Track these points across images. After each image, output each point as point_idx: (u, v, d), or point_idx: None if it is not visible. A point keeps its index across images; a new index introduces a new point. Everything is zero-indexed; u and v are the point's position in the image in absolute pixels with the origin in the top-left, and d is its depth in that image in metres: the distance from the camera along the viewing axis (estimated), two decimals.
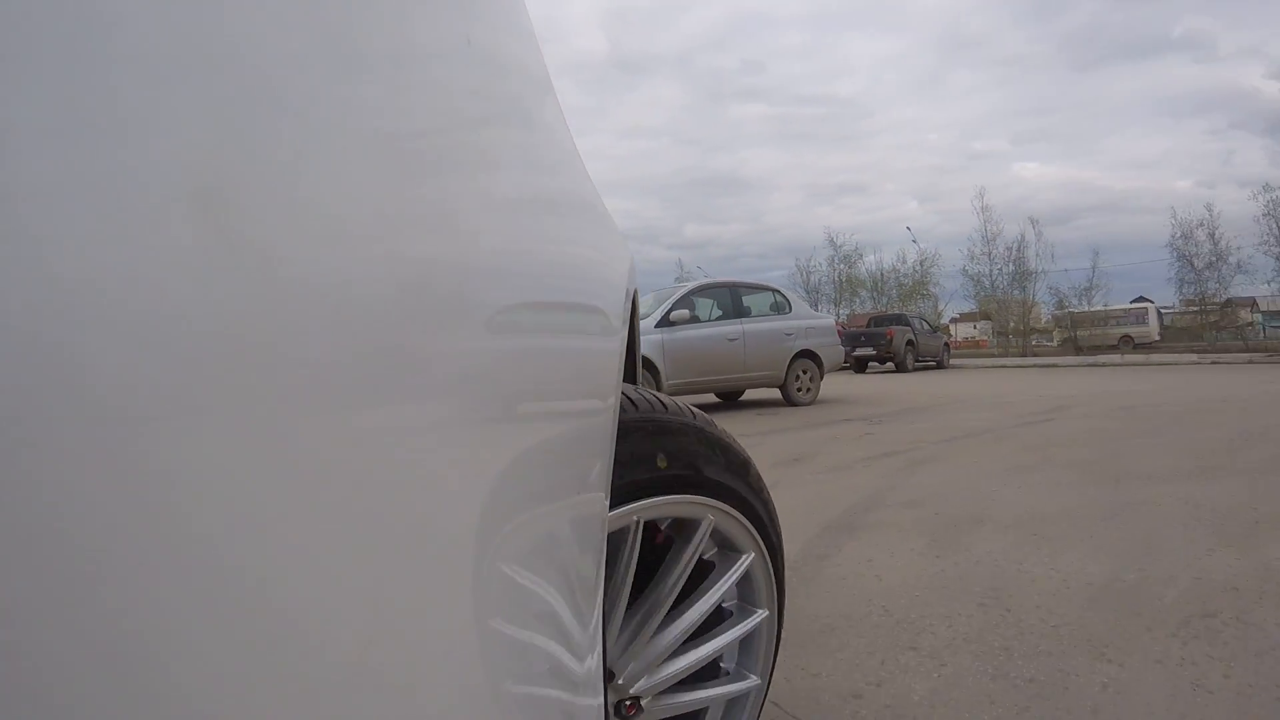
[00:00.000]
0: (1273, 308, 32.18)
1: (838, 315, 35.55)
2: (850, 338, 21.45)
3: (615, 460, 0.90)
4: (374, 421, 0.29)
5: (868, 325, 23.51)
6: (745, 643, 1.37)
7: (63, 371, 0.17)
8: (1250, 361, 19.82)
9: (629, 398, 1.17)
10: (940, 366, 23.28)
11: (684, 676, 1.22)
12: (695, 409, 1.31)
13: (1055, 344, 31.86)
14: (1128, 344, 31.16)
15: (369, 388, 0.29)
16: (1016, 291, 34.09)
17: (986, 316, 37.21)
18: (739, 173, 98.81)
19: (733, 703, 1.36)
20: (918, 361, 22.06)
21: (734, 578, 1.30)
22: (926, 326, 24.36)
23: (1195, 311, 32.47)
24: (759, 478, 1.38)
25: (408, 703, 0.31)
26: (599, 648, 0.72)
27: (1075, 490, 4.67)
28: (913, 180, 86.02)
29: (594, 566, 0.71)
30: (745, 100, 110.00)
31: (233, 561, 0.22)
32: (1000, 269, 34.38)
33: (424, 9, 0.39)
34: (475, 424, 0.39)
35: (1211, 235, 30.60)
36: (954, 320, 43.32)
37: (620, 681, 1.10)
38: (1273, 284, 29.18)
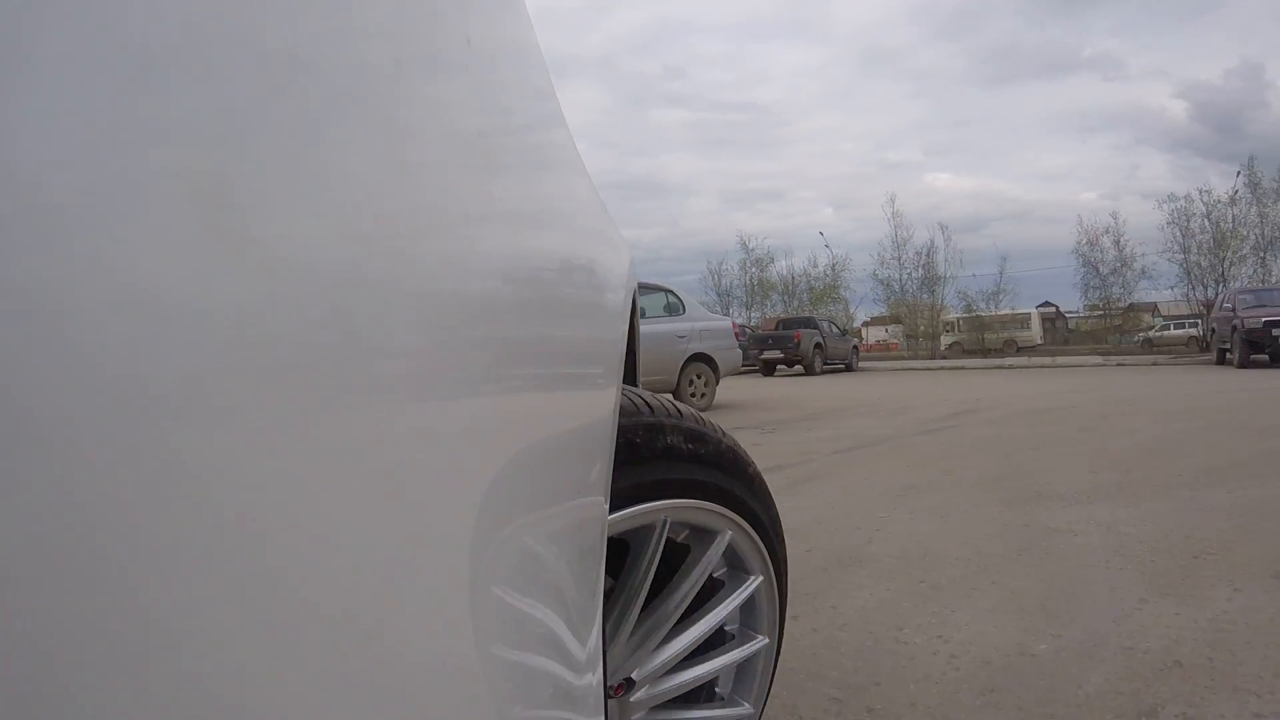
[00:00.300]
0: (1174, 312, 33.02)
1: (749, 318, 35.29)
2: (757, 341, 21.33)
3: (648, 454, 1.07)
4: (373, 422, 0.29)
5: (775, 328, 23.07)
6: (742, 668, 1.34)
7: (62, 371, 0.17)
8: (1155, 364, 19.69)
9: (674, 408, 1.22)
10: (849, 369, 22.95)
11: (684, 691, 1.22)
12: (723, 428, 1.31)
13: (944, 348, 32.56)
14: (1011, 347, 32.00)
15: (368, 388, 0.29)
16: (925, 296, 34.43)
17: (898, 320, 37.46)
18: (658, 177, 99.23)
19: None
20: (826, 364, 21.67)
21: (741, 598, 1.29)
22: (835, 330, 24.11)
23: (1100, 315, 33.04)
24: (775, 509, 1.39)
25: (403, 709, 0.31)
26: (599, 652, 0.70)
27: (977, 516, 3.93)
28: (829, 188, 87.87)
29: (594, 568, 0.71)
30: (666, 105, 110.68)
31: (226, 563, 0.21)
32: (910, 274, 34.80)
33: (424, 9, 0.40)
34: (475, 424, 0.40)
35: (1116, 242, 31.33)
36: (866, 324, 43.75)
37: (635, 678, 1.11)
38: (1175, 289, 30.06)
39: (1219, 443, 6.06)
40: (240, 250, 0.22)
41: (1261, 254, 27.60)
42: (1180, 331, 30.70)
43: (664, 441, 1.14)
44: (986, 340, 32.71)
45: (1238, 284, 23.19)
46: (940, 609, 2.62)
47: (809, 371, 20.78)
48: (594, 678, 0.67)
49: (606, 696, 0.78)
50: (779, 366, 21.43)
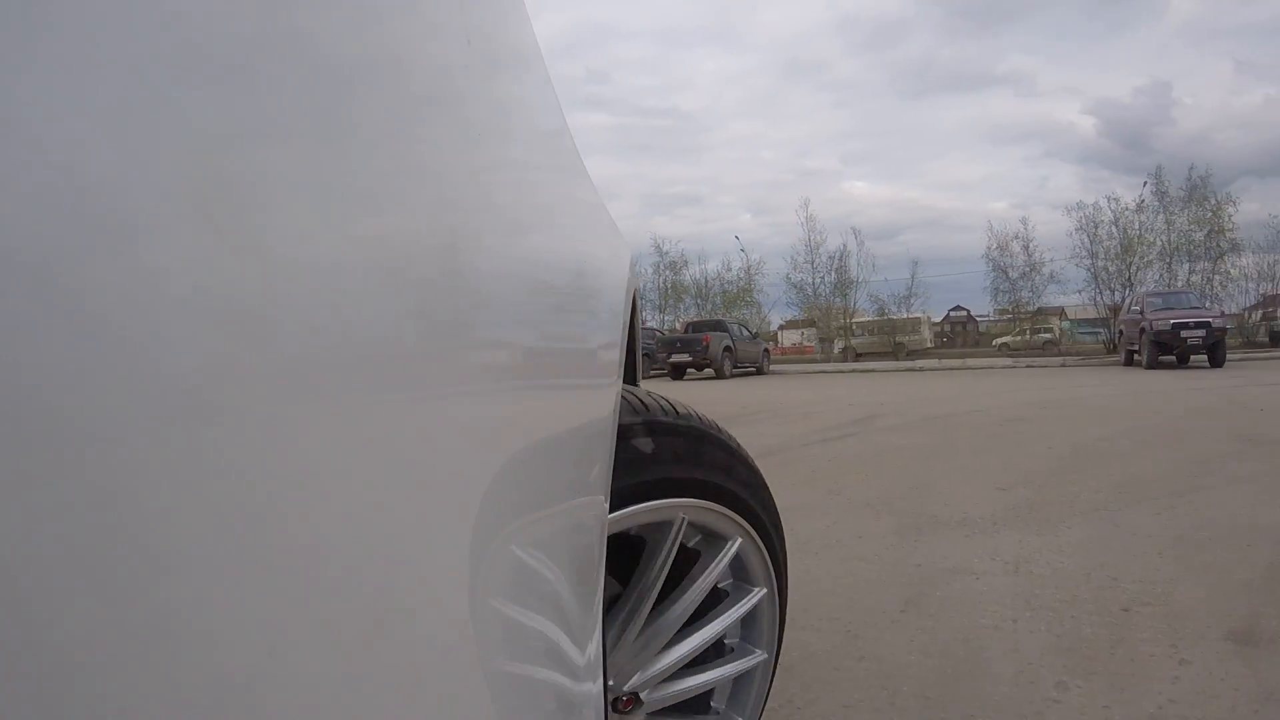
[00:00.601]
0: (1081, 315, 33.55)
1: (662, 322, 34.80)
2: (666, 344, 20.90)
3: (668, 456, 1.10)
4: (372, 422, 0.29)
5: (685, 331, 22.46)
6: (739, 682, 1.33)
7: (62, 371, 0.17)
8: (1063, 365, 19.98)
9: (696, 414, 1.27)
10: (760, 372, 22.46)
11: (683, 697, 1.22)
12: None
13: (835, 352, 32.88)
14: (902, 350, 32.40)
15: (368, 387, 0.29)
16: (838, 299, 34.36)
17: (812, 323, 37.37)
18: None
19: None
20: (736, 368, 21.16)
21: (746, 608, 1.29)
22: (746, 333, 23.63)
23: (1009, 319, 33.44)
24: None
25: (401, 711, 0.31)
26: (599, 652, 0.70)
27: (859, 551, 3.20)
28: (748, 194, 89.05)
29: (595, 568, 0.71)
30: (588, 109, 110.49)
31: (225, 562, 0.21)
32: (823, 278, 34.67)
33: (424, 9, 0.40)
34: (476, 424, 0.40)
35: (1026, 247, 31.45)
36: (782, 327, 43.75)
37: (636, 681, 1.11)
38: (1083, 293, 30.19)
39: (1138, 451, 5.47)
40: (239, 250, 0.22)
41: (1168, 260, 28.10)
42: (1036, 337, 31.98)
43: (696, 444, 1.16)
44: (877, 344, 33.24)
45: (1145, 288, 23.39)
46: (799, 703, 1.83)
47: (719, 375, 20.26)
48: (594, 686, 0.66)
49: (607, 697, 0.78)
50: (688, 370, 20.95)
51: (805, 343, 39.80)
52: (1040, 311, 33.01)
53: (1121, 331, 19.24)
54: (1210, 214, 27.48)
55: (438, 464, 0.35)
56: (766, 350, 24.86)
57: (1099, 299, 28.82)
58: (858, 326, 34.91)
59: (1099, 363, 20.15)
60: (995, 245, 31.65)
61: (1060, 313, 35.84)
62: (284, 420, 0.24)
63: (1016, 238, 31.43)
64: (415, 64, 0.37)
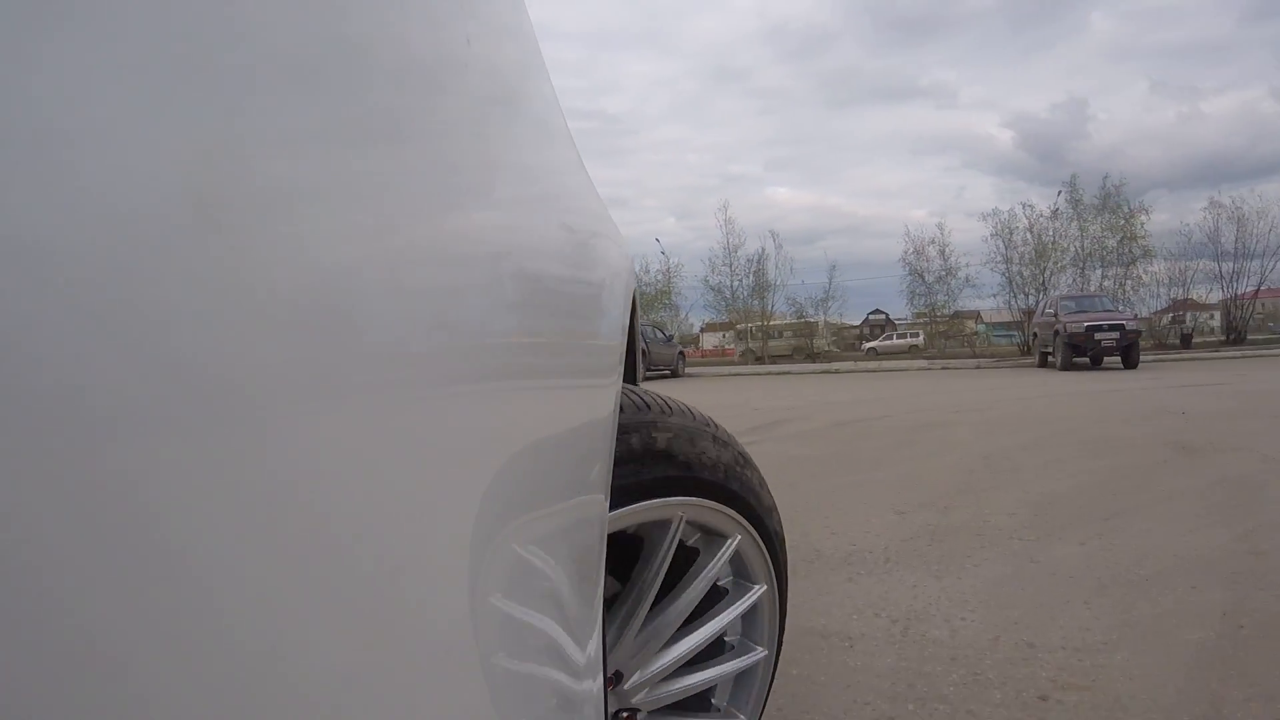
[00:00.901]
0: (996, 319, 33.81)
1: None
2: None
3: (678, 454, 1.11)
4: (372, 422, 0.29)
5: None
6: (740, 680, 1.33)
7: (61, 372, 0.17)
8: (979, 367, 20.01)
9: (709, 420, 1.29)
10: (674, 375, 21.86)
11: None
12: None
13: (736, 356, 32.80)
14: (801, 353, 32.55)
15: (369, 387, 0.29)
16: (756, 302, 34.07)
17: (733, 326, 37.08)
18: None
19: None
20: (651, 370, 20.47)
21: (745, 605, 1.28)
22: (661, 335, 23.00)
23: (925, 322, 33.64)
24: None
25: (403, 709, 0.31)
26: (599, 650, 0.70)
27: None
28: (672, 197, 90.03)
29: (595, 567, 0.71)
30: None
31: (224, 564, 0.21)
32: (741, 280, 34.31)
33: (424, 9, 0.40)
34: (474, 425, 0.40)
35: (942, 252, 31.61)
36: (703, 330, 43.51)
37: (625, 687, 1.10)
38: (998, 297, 30.51)
39: (1056, 461, 4.86)
40: (238, 249, 0.22)
41: (1081, 265, 28.50)
42: (902, 341, 32.99)
43: (692, 442, 1.15)
44: (778, 347, 33.34)
45: (1059, 291, 23.58)
46: None
47: (630, 378, 19.38)
48: (594, 684, 0.67)
49: (607, 695, 0.79)
50: None
51: (727, 345, 39.54)
52: (957, 315, 33.32)
53: (1036, 334, 19.36)
54: (1123, 222, 27.95)
55: (441, 462, 0.35)
56: (682, 353, 24.39)
57: (1013, 303, 29.19)
58: (776, 329, 34.73)
59: (1013, 365, 20.00)
60: (912, 250, 31.88)
61: (976, 316, 36.38)
62: (285, 419, 0.24)
63: (933, 242, 31.65)
64: (415, 64, 0.38)
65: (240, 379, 0.22)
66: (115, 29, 0.19)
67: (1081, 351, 15.49)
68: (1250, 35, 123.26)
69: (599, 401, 0.75)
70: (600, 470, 0.74)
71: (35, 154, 0.17)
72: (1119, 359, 15.58)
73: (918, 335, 32.85)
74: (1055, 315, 16.78)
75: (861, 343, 38.84)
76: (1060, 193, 29.28)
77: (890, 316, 44.32)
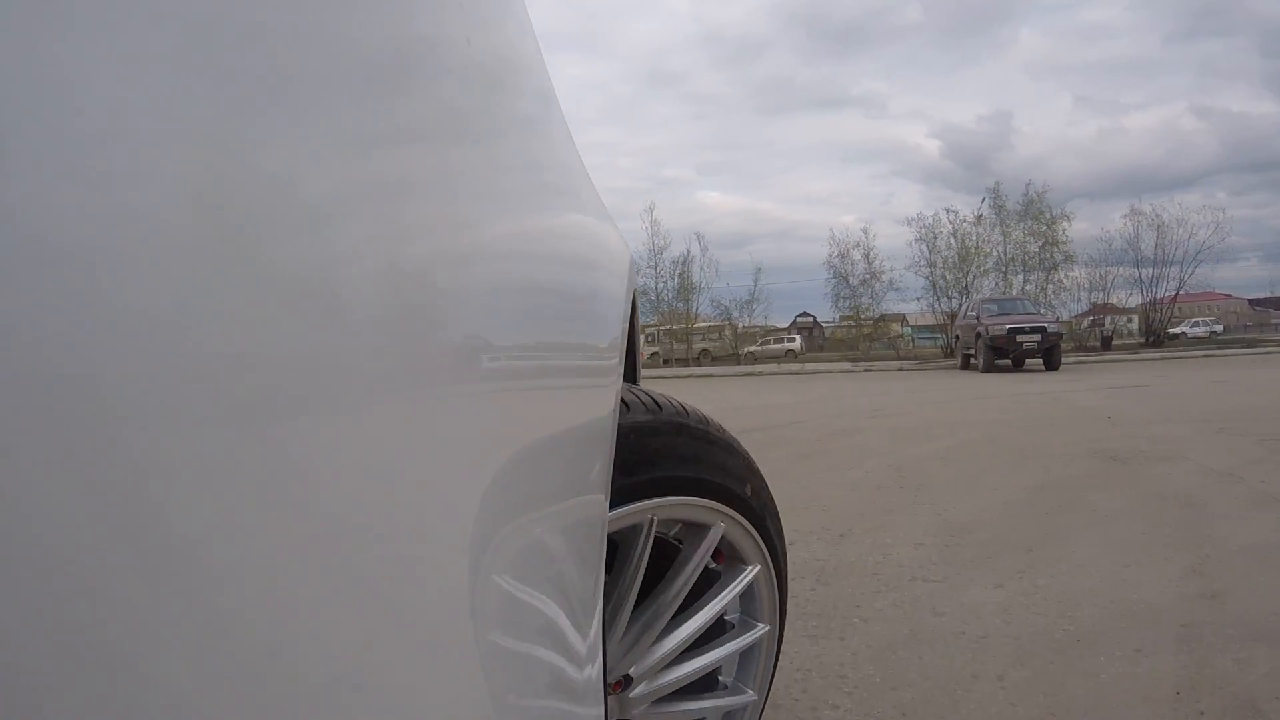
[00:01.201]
0: (921, 323, 33.97)
1: None
2: None
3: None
4: (373, 422, 0.29)
5: None
6: (745, 656, 1.34)
7: (61, 371, 0.17)
8: (901, 369, 19.64)
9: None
10: None
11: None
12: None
13: (646, 359, 32.79)
14: (707, 356, 32.86)
15: (368, 388, 0.29)
16: (681, 305, 33.72)
17: (660, 328, 36.65)
18: None
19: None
20: None
21: (738, 588, 1.27)
22: None
23: (851, 325, 33.56)
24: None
25: (410, 701, 0.31)
26: (599, 645, 0.71)
27: None
28: (603, 200, 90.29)
29: (595, 564, 0.71)
30: None
31: (223, 566, 0.21)
32: (666, 283, 33.90)
33: (424, 9, 0.40)
34: (476, 424, 0.40)
35: (866, 255, 31.71)
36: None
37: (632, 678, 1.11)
38: (922, 301, 30.63)
39: (976, 475, 4.31)
40: (237, 250, 0.22)
41: (1003, 269, 28.78)
42: (779, 346, 33.53)
43: (654, 440, 1.12)
44: (683, 350, 33.39)
45: (981, 294, 23.66)
46: None
47: None
48: (594, 670, 0.67)
49: (606, 689, 0.75)
50: None
51: (653, 348, 39.19)
52: (883, 318, 33.43)
53: (958, 337, 19.25)
54: (1045, 228, 28.33)
55: (443, 461, 0.35)
56: None
57: (937, 306, 29.34)
58: (700, 331, 34.47)
59: (936, 367, 19.79)
60: (837, 253, 31.94)
61: (902, 319, 36.65)
62: (285, 419, 0.24)
63: (857, 246, 31.80)
64: (415, 64, 0.38)
65: (240, 378, 0.21)
66: (114, 28, 0.19)
67: (1004, 354, 15.37)
68: (1175, 55, 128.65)
69: (599, 401, 0.75)
70: (601, 469, 0.74)
71: (35, 154, 0.17)
72: (1041, 361, 15.47)
73: (794, 340, 33.58)
74: (978, 318, 16.67)
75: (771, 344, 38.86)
76: (984, 200, 29.61)
77: (818, 319, 44.42)
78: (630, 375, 1.51)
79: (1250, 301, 56.29)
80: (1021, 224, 28.81)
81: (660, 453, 1.11)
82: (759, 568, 1.29)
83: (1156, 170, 79.84)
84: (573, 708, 0.57)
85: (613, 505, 0.99)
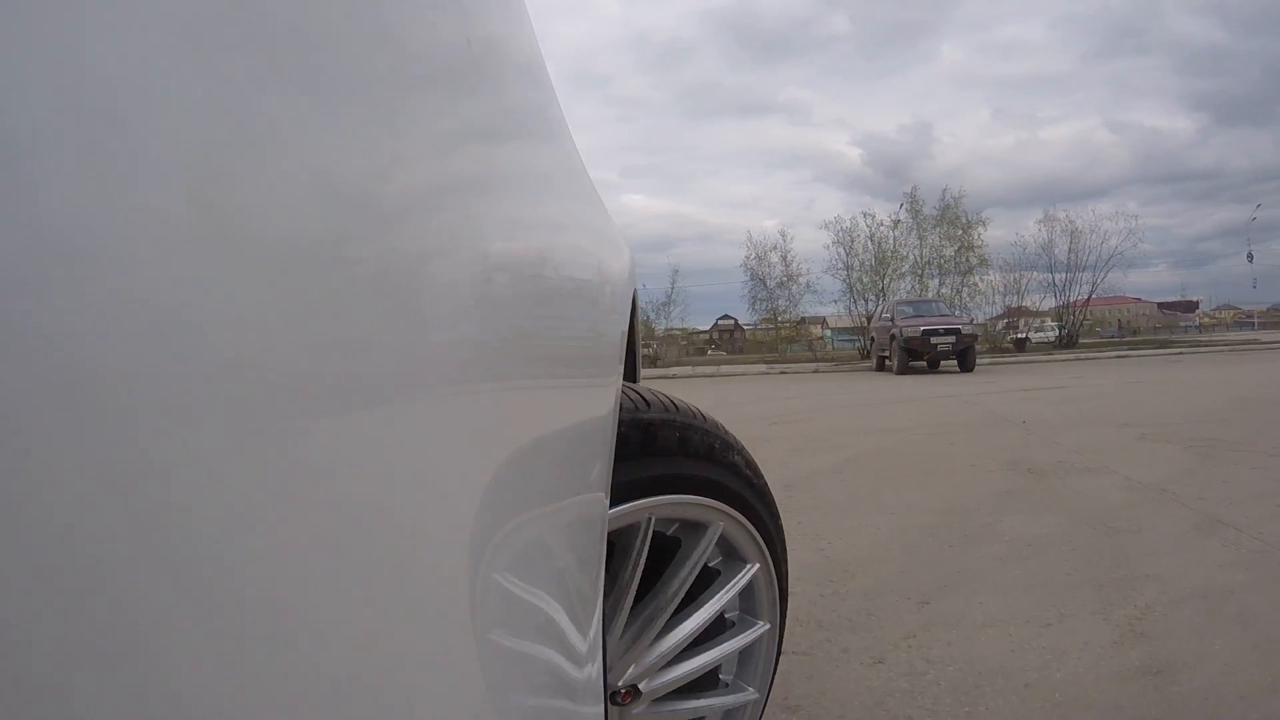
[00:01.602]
0: (841, 325, 34.04)
1: None
2: None
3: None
4: (373, 420, 0.29)
5: None
6: (746, 654, 1.33)
7: (61, 371, 0.17)
8: (816, 371, 19.10)
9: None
10: None
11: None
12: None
13: None
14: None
15: (368, 387, 0.29)
16: None
17: None
18: None
19: None
20: None
21: (738, 586, 1.26)
22: None
23: (770, 327, 33.46)
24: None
25: (402, 709, 0.31)
26: (599, 644, 0.71)
27: None
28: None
29: (594, 568, 0.71)
30: None
31: (224, 564, 0.22)
32: None
33: (424, 9, 0.40)
34: (476, 423, 0.40)
35: (784, 258, 31.49)
36: None
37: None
38: (839, 303, 30.72)
39: (870, 493, 3.70)
40: (237, 251, 0.22)
41: (919, 273, 28.92)
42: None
43: (654, 438, 1.12)
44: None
45: (897, 296, 23.62)
46: None
47: None
48: (594, 668, 0.67)
49: (606, 688, 0.77)
50: None
51: None
52: (804, 321, 33.39)
53: (873, 339, 19.13)
54: (961, 232, 28.52)
55: (444, 460, 0.35)
56: None
57: (853, 308, 29.35)
58: None
59: (851, 369, 19.39)
60: (754, 255, 31.73)
61: (822, 322, 36.81)
62: (283, 418, 0.24)
63: (775, 248, 31.60)
64: (415, 64, 0.38)
65: (240, 379, 0.22)
66: (112, 28, 0.19)
67: (918, 355, 15.14)
68: (1091, 71, 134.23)
69: (599, 400, 0.76)
70: (601, 468, 0.75)
71: (35, 154, 0.17)
72: (955, 363, 15.28)
73: (650, 346, 34.04)
74: (892, 320, 16.45)
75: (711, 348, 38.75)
76: (902, 205, 29.69)
77: (739, 322, 44.57)
78: (630, 374, 1.54)
79: (1159, 305, 58.52)
80: (938, 228, 29.01)
81: (659, 450, 1.10)
82: (758, 566, 1.28)
83: (1071, 180, 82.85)
84: (574, 706, 0.57)
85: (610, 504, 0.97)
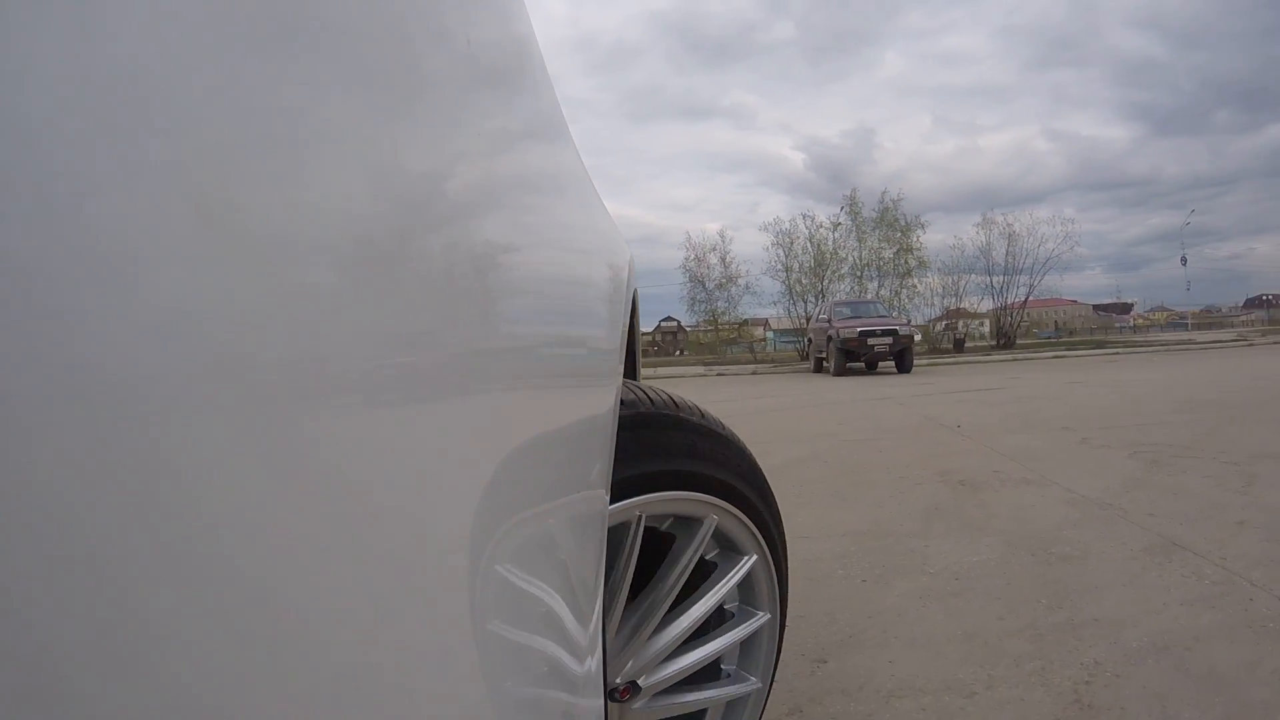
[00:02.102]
0: (784, 327, 34.16)
1: None
2: None
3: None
4: (373, 419, 0.29)
5: None
6: (747, 644, 1.32)
7: (60, 372, 0.17)
8: (755, 373, 18.90)
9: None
10: None
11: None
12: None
13: None
14: None
15: (369, 386, 0.29)
16: None
17: None
18: None
19: None
20: None
21: (735, 579, 1.27)
22: None
23: (711, 329, 33.41)
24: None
25: (403, 705, 0.31)
26: (599, 639, 0.71)
27: None
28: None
29: (594, 566, 0.71)
30: None
31: (227, 561, 0.22)
32: None
33: (424, 9, 0.40)
34: (477, 422, 0.40)
35: (723, 259, 31.44)
36: None
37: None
38: (778, 305, 30.69)
39: (790, 512, 3.21)
40: (238, 251, 0.22)
41: (858, 274, 29.12)
42: None
43: (647, 433, 1.13)
44: None
45: (834, 297, 23.72)
46: None
47: None
48: (594, 663, 0.67)
49: (606, 686, 0.77)
50: None
51: None
52: (747, 322, 33.47)
53: (810, 340, 19.07)
54: (900, 234, 28.76)
55: (444, 460, 0.35)
56: None
57: (793, 310, 29.33)
58: None
59: (790, 370, 19.20)
60: (693, 257, 31.51)
61: (765, 323, 36.95)
62: (283, 418, 0.24)
63: (714, 250, 31.50)
64: (415, 64, 0.38)
65: (239, 379, 0.22)
66: (111, 27, 0.19)
67: (855, 357, 15.03)
68: (1030, 81, 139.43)
69: (600, 399, 0.76)
70: (602, 466, 0.75)
71: (34, 152, 0.17)
72: (893, 363, 15.22)
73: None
74: (829, 321, 16.32)
75: (653, 348, 38.71)
76: (843, 208, 29.77)
77: (682, 324, 44.75)
78: (630, 372, 1.61)
79: (1094, 307, 60.15)
80: (877, 231, 29.18)
81: (654, 446, 1.12)
82: (755, 557, 1.27)
83: (1009, 186, 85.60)
84: (573, 700, 0.57)
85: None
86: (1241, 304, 78.45)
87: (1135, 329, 53.86)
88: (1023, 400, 7.94)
